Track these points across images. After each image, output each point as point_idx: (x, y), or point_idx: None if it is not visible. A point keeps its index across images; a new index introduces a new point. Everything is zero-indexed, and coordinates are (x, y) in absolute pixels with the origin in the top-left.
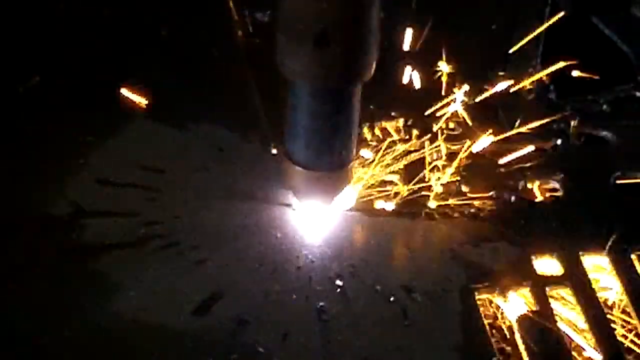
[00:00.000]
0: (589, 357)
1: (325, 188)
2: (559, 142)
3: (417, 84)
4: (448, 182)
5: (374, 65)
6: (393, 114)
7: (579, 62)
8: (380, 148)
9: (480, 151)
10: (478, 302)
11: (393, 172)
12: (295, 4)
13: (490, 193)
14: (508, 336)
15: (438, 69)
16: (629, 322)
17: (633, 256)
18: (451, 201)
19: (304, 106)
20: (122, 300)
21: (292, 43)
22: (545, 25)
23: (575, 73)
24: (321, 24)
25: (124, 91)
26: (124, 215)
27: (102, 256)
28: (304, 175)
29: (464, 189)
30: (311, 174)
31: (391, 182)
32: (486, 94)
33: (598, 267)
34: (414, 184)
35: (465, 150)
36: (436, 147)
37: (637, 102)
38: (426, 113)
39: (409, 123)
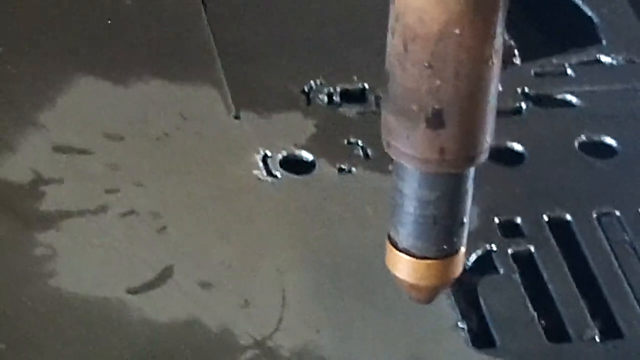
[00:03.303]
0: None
1: (434, 277)
2: (523, 105)
3: None
4: None
5: (489, 146)
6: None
7: (544, 26)
8: None
9: None
10: None
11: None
12: (406, 80)
13: None
14: (472, 300)
15: None
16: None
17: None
18: None
19: (412, 191)
20: (83, 267)
21: (401, 123)
22: None
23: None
24: (436, 103)
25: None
26: (84, 183)
27: (61, 224)
28: (411, 265)
29: None
30: (419, 263)
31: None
32: None
33: (561, 228)
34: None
35: None
36: None
37: (602, 65)
38: None
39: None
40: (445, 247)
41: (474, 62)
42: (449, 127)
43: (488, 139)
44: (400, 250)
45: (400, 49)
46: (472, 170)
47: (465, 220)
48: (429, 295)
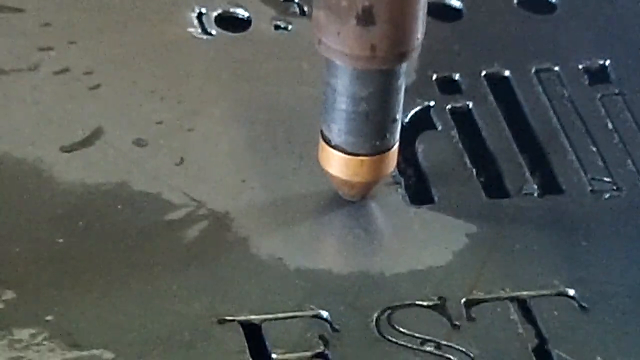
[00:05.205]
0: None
1: (367, 173)
2: None
3: None
4: None
5: (421, 42)
6: None
7: None
8: None
9: None
10: None
11: None
12: None
13: None
14: (410, 157)
15: None
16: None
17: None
18: None
19: (344, 88)
20: (15, 125)
21: (331, 20)
22: None
23: None
24: None
25: None
26: (16, 41)
27: None
28: (344, 161)
29: None
30: (352, 159)
31: None
32: None
33: (500, 84)
34: None
35: None
36: None
37: None
38: None
39: None
40: (377, 143)
41: None
42: (379, 24)
43: (419, 36)
44: (332, 147)
45: None
46: (403, 66)
47: (397, 116)
48: (361, 191)
